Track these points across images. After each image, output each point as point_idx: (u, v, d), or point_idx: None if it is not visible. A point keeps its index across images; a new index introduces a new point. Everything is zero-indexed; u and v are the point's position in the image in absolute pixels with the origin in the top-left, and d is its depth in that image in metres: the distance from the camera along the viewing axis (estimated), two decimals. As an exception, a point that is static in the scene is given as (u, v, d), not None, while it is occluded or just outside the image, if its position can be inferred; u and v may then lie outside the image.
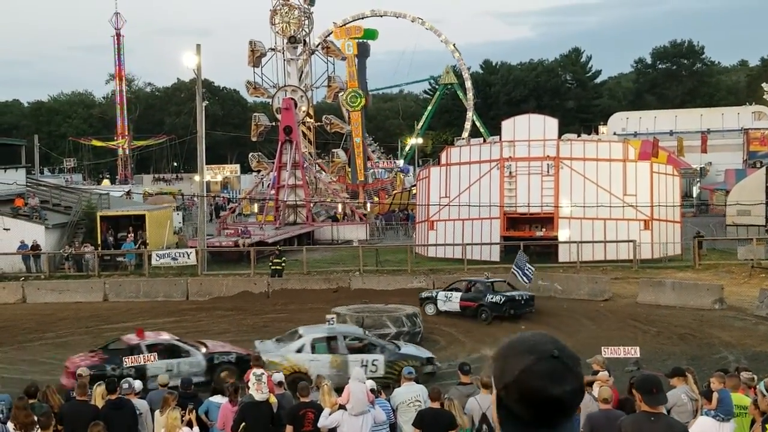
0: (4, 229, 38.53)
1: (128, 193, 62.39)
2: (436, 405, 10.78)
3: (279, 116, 50.05)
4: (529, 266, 27.37)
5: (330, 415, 10.84)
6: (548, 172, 37.27)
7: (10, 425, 10.59)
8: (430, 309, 26.92)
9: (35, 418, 10.26)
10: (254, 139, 53.80)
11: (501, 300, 25.60)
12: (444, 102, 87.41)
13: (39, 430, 10.04)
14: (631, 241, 35.72)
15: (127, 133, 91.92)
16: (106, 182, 78.54)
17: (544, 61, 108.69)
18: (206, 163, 40.26)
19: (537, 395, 2.27)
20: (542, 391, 2.26)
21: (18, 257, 37.70)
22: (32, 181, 46.53)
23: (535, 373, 2.26)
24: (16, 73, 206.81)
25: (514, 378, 2.28)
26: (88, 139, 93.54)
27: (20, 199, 40.55)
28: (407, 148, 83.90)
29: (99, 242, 39.48)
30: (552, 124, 39.56)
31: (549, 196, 37.19)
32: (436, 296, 27.26)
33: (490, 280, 27.32)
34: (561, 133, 39.85)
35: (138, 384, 12.31)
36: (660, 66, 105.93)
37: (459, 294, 26.73)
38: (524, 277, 26.74)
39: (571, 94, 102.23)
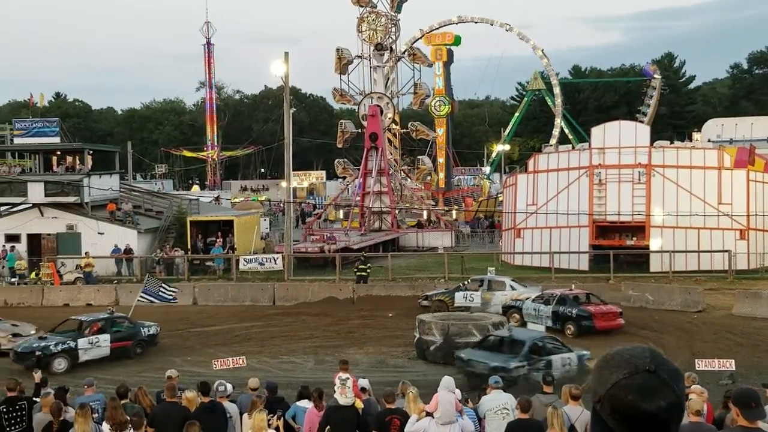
0: (99, 233, 39.68)
1: (217, 198, 63.56)
2: (526, 416, 10.52)
3: (365, 123, 50.22)
4: (165, 288, 25.36)
5: (417, 422, 10.67)
6: (639, 179, 36.41)
7: (105, 425, 10.79)
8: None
9: (128, 418, 10.43)
10: (340, 145, 54.14)
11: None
12: (531, 108, 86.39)
13: (131, 430, 10.18)
14: (726, 251, 34.55)
15: (216, 141, 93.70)
16: (195, 188, 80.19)
17: (635, 66, 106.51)
18: (293, 170, 40.58)
19: (628, 410, 2.22)
20: (634, 405, 2.21)
21: (112, 260, 38.77)
22: (125, 187, 47.83)
23: (627, 388, 2.22)
24: (111, 81, 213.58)
25: (607, 392, 2.26)
26: (179, 149, 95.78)
27: (112, 204, 41.70)
28: (493, 155, 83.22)
29: (189, 247, 40.28)
30: (644, 130, 38.70)
31: (640, 204, 36.30)
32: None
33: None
34: (653, 140, 38.89)
35: (230, 387, 12.38)
36: (757, 71, 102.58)
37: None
38: (158, 300, 25.37)
39: (664, 100, 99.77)
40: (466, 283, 29.75)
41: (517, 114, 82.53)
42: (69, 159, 43.13)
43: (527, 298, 27.17)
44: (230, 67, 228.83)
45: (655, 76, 67.74)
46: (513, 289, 28.96)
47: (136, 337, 23.64)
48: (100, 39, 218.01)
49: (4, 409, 11.65)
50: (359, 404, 11.30)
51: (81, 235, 40.18)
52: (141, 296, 24.86)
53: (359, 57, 51.74)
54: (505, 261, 39.54)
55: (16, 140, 44.90)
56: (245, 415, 11.45)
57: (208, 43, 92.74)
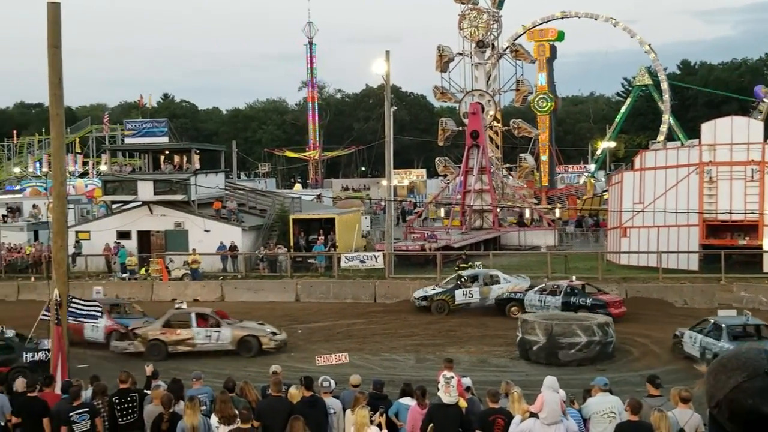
0: (205, 230, 40.61)
1: (319, 197, 64.28)
2: (636, 418, 10.18)
3: (466, 121, 49.86)
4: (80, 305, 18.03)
5: (521, 422, 10.48)
6: (753, 177, 34.94)
7: (213, 417, 10.98)
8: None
9: (236, 412, 10.58)
10: (441, 143, 53.94)
11: None
12: (638, 104, 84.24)
13: (239, 422, 10.32)
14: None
15: (317, 140, 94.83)
16: (297, 186, 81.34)
17: (747, 60, 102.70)
18: (393, 168, 40.62)
19: (748, 414, 2.17)
20: (754, 409, 2.16)
21: (217, 257, 39.63)
22: (230, 185, 48.81)
23: (747, 391, 2.17)
24: (217, 82, 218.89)
25: (725, 396, 2.21)
26: (282, 150, 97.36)
27: (218, 202, 42.64)
28: (598, 152, 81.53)
29: (291, 244, 40.80)
30: (757, 126, 37.09)
31: (753, 202, 34.82)
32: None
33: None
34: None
35: (333, 383, 12.43)
36: None
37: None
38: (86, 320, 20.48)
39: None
40: (462, 280, 29.97)
41: (622, 110, 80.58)
42: (177, 158, 44.29)
43: (528, 290, 28.04)
44: (331, 67, 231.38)
45: (765, 100, 64.84)
46: (507, 281, 29.69)
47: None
48: (207, 41, 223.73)
49: (117, 400, 11.99)
50: (463, 403, 11.18)
51: (188, 232, 41.20)
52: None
53: (460, 54, 51.39)
54: (610, 260, 38.58)
55: (127, 140, 46.37)
56: (348, 411, 11.48)
57: (310, 43, 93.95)
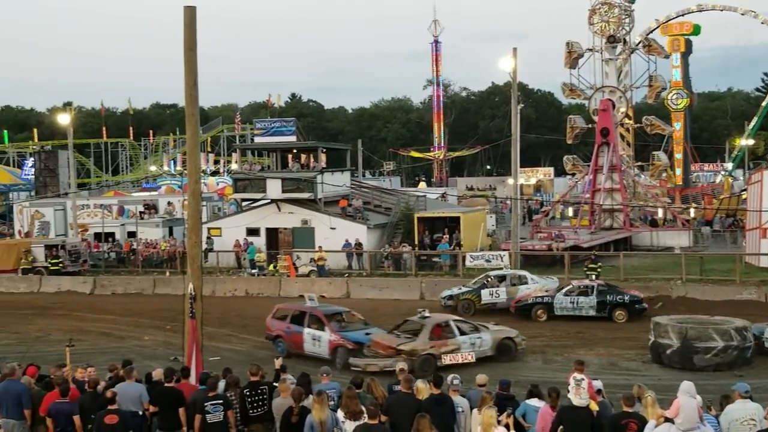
0: (331, 228, 41.19)
1: (443, 195, 64.17)
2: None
3: (595, 118, 48.68)
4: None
5: (656, 427, 10.10)
6: None
7: (340, 413, 11.06)
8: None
9: (363, 408, 10.61)
10: (569, 141, 52.86)
11: None
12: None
13: (366, 418, 10.34)
14: None
15: (442, 139, 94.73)
16: (422, 185, 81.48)
17: None
18: (520, 166, 40.05)
19: None
20: None
21: (343, 254, 40.13)
22: (355, 184, 49.32)
23: None
24: (342, 81, 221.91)
25: None
26: (407, 150, 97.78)
27: (344, 200, 43.17)
28: (736, 150, 78.15)
29: (416, 242, 40.86)
30: None
31: None
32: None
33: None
34: None
35: (458, 380, 12.30)
36: None
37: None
38: None
39: None
40: (489, 279, 29.58)
41: (763, 106, 76.90)
42: (304, 157, 45.09)
43: (558, 292, 27.54)
44: (457, 64, 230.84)
45: None
46: (535, 282, 29.28)
47: None
48: (333, 41, 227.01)
49: (248, 393, 12.23)
50: (594, 406, 10.86)
51: (314, 229, 41.89)
52: None
53: (590, 50, 50.21)
54: (749, 262, 36.85)
55: (257, 139, 47.47)
56: (474, 411, 11.35)
57: (436, 41, 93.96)
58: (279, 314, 23.97)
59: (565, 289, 27.71)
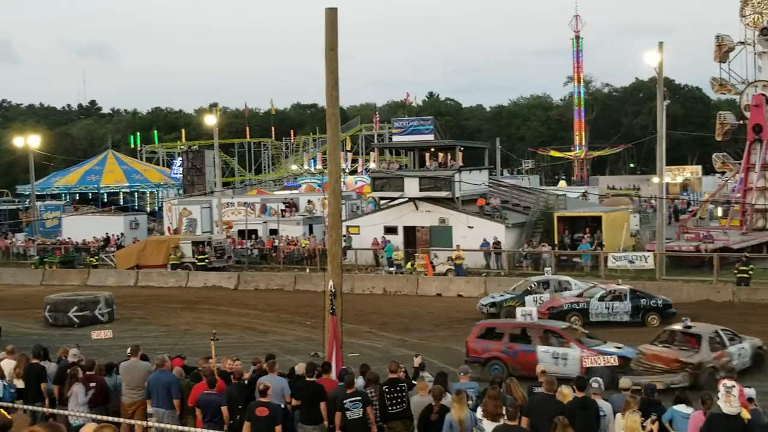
0: (469, 226, 40.97)
1: (584, 194, 62.75)
2: None
3: (747, 114, 46.35)
4: None
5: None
6: None
7: (479, 412, 10.93)
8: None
9: (504, 409, 10.46)
10: (719, 138, 50.56)
11: None
12: None
13: (505, 419, 10.18)
14: None
15: (583, 137, 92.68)
16: (562, 183, 79.98)
17: None
18: (665, 164, 38.63)
19: None
20: None
21: (480, 253, 39.85)
22: (493, 182, 48.90)
23: None
24: (480, 79, 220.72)
25: None
26: (546, 149, 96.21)
27: (482, 199, 42.85)
28: None
29: (556, 242, 40.11)
30: None
31: None
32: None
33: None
34: None
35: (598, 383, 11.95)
36: None
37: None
38: None
39: None
40: (532, 286, 28.73)
41: None
42: (441, 155, 45.03)
43: (591, 298, 26.74)
44: (599, 60, 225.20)
45: None
46: (579, 288, 28.44)
47: None
48: (470, 39, 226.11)
49: (387, 389, 12.26)
50: (745, 414, 10.31)
51: (452, 228, 41.79)
52: None
53: (742, 43, 47.82)
54: None
55: (394, 138, 47.79)
56: (618, 415, 11.04)
57: (577, 37, 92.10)
58: (487, 333, 20.80)
59: (599, 294, 27.00)
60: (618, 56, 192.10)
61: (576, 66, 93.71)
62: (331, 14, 15.76)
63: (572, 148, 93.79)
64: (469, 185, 42.30)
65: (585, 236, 39.57)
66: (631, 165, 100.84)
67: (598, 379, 12.12)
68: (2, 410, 5.08)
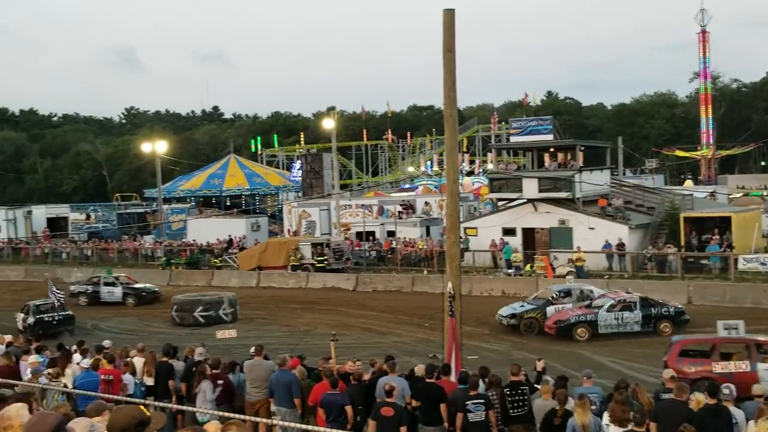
0: (590, 228, 40.06)
1: (712, 194, 60.42)
2: None
3: None
4: (55, 290, 30.10)
5: None
6: None
7: (605, 417, 10.64)
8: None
9: (631, 414, 10.15)
10: None
11: None
12: None
13: (632, 425, 9.88)
14: None
15: (710, 135, 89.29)
16: (688, 183, 77.25)
17: None
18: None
19: None
20: None
21: (602, 255, 38.90)
22: (615, 182, 47.66)
23: None
24: (600, 77, 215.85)
25: None
26: (671, 149, 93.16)
27: (604, 200, 41.81)
28: None
29: (682, 244, 38.73)
30: None
31: None
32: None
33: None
34: None
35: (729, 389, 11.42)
36: None
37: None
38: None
39: None
40: (554, 296, 27.70)
41: None
42: (561, 155, 44.21)
43: (599, 309, 25.66)
44: (726, 54, 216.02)
45: None
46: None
47: None
48: (589, 35, 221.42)
49: (508, 392, 12.10)
50: None
51: (572, 229, 40.96)
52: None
53: None
54: None
55: (512, 138, 47.23)
56: (751, 423, 10.54)
57: (703, 31, 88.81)
58: (688, 351, 18.54)
59: (608, 304, 25.82)
60: (747, 50, 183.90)
61: (702, 61, 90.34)
62: (449, 15, 15.69)
63: (698, 147, 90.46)
64: (590, 186, 41.38)
65: (714, 237, 38.06)
66: (762, 163, 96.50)
67: (730, 385, 11.61)
68: (142, 407, 5.19)
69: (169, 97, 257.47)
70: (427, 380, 12.65)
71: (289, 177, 75.02)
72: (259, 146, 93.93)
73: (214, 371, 13.96)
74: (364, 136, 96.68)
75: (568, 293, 27.92)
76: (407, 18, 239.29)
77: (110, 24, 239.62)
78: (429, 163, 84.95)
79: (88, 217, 71.33)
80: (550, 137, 43.80)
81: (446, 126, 16.22)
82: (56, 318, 29.53)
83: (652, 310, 25.72)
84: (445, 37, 15.72)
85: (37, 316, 29.28)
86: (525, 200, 42.36)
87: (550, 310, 26.89)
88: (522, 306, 28.05)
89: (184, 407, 12.08)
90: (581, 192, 40.95)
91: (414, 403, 12.45)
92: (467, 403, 11.66)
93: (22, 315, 29.97)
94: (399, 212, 51.56)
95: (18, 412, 5.22)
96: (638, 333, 25.27)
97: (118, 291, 37.34)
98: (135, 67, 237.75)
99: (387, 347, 23.69)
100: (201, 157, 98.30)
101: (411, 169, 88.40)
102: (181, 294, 34.06)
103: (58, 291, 30.36)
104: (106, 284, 37.68)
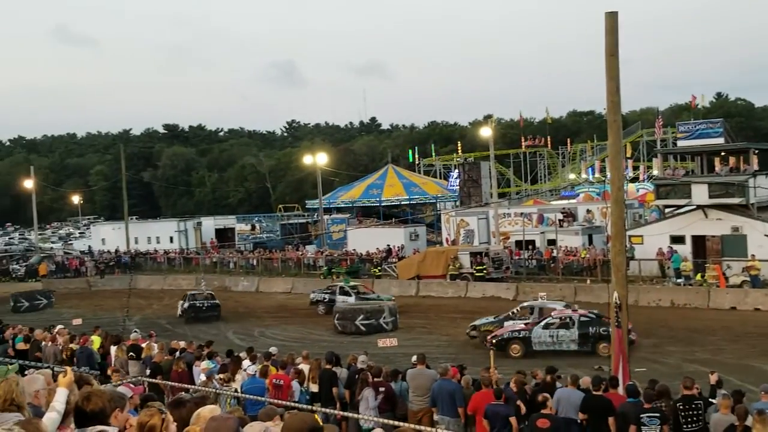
0: (765, 235, 37.89)
1: None
2: None
3: None
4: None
5: None
6: None
7: None
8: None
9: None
10: None
11: None
12: None
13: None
14: None
15: None
16: None
17: None
18: None
19: None
20: None
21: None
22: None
23: None
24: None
25: None
26: None
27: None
28: None
29: None
30: None
31: None
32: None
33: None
34: None
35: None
36: None
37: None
38: None
39: None
40: (515, 311, 27.68)
41: None
42: (732, 159, 42.05)
43: (535, 326, 25.19)
44: None
45: None
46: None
47: None
48: (759, 33, 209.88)
49: (681, 406, 11.59)
50: None
51: (746, 237, 38.84)
52: None
53: None
54: None
55: (679, 143, 45.44)
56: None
57: None
58: None
59: (544, 321, 25.22)
60: None
61: None
62: (611, 19, 15.37)
63: None
64: (766, 191, 39.13)
65: None
66: None
67: None
68: (316, 416, 5.28)
69: (328, 109, 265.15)
70: (594, 392, 12.27)
71: (446, 186, 75.12)
72: (417, 156, 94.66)
73: (375, 379, 14.07)
74: (522, 143, 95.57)
75: (532, 309, 27.54)
76: (565, 23, 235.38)
77: (271, 40, 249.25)
78: (590, 169, 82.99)
79: (253, 227, 74.07)
80: (720, 140, 41.81)
81: (610, 131, 15.84)
82: (205, 305, 36.56)
83: (590, 329, 24.74)
84: (608, 41, 15.43)
85: (191, 303, 36.54)
86: (694, 206, 40.57)
87: (507, 324, 26.62)
88: (487, 319, 28.30)
89: (348, 414, 12.24)
90: (756, 197, 38.82)
91: (580, 415, 12.10)
92: (642, 416, 11.20)
93: (181, 302, 37.25)
94: (560, 220, 50.58)
95: (212, 412, 5.55)
96: (576, 352, 24.22)
97: (351, 301, 35.31)
98: (295, 81, 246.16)
99: (551, 359, 23.20)
100: (359, 168, 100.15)
101: (572, 176, 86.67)
102: (342, 303, 34.70)
103: (205, 287, 39.00)
104: (342, 293, 36.34)
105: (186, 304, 36.50)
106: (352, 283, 38.12)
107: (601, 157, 75.99)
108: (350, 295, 35.95)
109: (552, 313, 25.94)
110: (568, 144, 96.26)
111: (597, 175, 75.58)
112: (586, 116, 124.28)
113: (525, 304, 29.14)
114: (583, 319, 25.15)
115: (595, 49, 15.28)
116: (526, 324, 25.96)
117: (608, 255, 31.80)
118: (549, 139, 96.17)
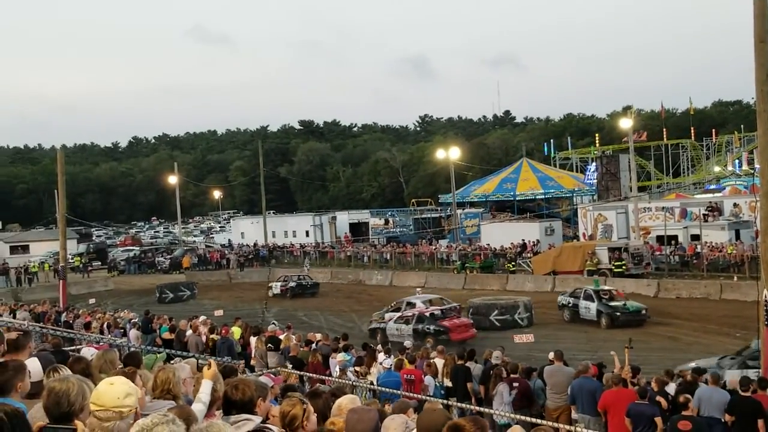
0: None
1: None
2: None
3: None
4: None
5: None
6: None
7: None
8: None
9: None
10: None
11: None
12: None
13: None
14: None
15: None
16: None
17: None
18: None
19: None
20: None
21: None
22: None
23: None
24: None
25: None
26: None
27: None
28: None
29: None
30: None
31: None
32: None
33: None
34: None
35: None
36: None
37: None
38: None
39: None
40: (392, 305, 30.82)
41: None
42: None
43: (390, 320, 28.77)
44: None
45: None
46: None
47: None
48: None
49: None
50: None
51: None
52: None
53: None
54: None
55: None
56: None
57: None
58: None
59: (396, 315, 28.75)
60: None
61: None
62: (761, 3, 14.69)
63: None
64: None
65: None
66: None
67: None
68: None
69: (460, 103, 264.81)
70: (742, 393, 11.77)
71: (583, 180, 73.61)
72: (552, 149, 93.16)
73: (511, 375, 13.97)
74: (664, 135, 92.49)
75: (413, 304, 30.08)
76: (710, 8, 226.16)
77: (403, 35, 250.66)
78: (737, 161, 79.46)
79: (387, 222, 74.80)
80: None
81: (759, 122, 15.16)
82: (309, 284, 45.18)
83: (420, 326, 27.72)
84: (756, 26, 14.81)
85: (297, 281, 44.96)
86: None
87: (386, 316, 29.82)
88: (385, 309, 31.29)
89: (484, 409, 12.20)
90: None
91: (727, 417, 11.64)
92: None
93: (277, 283, 44.61)
94: (704, 214, 48.66)
95: (353, 402, 5.76)
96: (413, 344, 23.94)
97: (593, 307, 31.08)
98: (428, 75, 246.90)
99: (693, 356, 22.36)
100: (493, 162, 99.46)
101: (717, 168, 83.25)
102: (476, 297, 34.57)
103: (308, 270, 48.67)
104: (585, 298, 31.63)
105: (293, 283, 44.47)
106: (602, 287, 33.30)
107: (750, 148, 72.58)
108: (593, 301, 31.19)
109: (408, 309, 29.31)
110: (713, 135, 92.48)
111: (744, 167, 72.26)
112: (732, 106, 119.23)
113: (399, 300, 31.85)
114: (420, 315, 28.32)
115: (744, 35, 14.62)
116: (402, 317, 29.04)
117: (757, 251, 30.40)
118: (693, 130, 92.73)
